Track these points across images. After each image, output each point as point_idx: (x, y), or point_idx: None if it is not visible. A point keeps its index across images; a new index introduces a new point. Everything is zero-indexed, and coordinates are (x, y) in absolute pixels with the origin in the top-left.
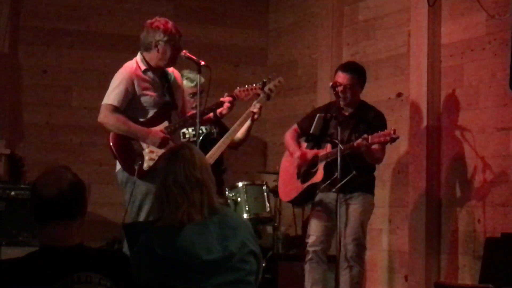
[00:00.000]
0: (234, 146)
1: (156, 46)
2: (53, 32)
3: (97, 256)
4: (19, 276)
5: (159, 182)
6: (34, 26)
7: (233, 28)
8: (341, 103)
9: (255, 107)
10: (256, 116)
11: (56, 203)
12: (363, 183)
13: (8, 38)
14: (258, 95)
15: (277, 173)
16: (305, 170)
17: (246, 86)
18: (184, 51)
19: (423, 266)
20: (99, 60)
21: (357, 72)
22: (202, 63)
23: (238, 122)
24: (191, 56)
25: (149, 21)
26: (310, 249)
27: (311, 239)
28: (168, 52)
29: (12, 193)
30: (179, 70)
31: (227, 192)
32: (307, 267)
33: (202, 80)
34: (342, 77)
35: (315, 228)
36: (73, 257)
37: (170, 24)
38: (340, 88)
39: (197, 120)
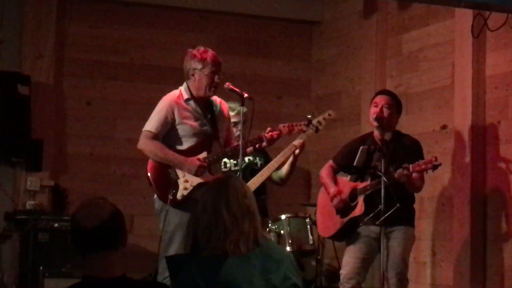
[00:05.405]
0: (279, 182)
1: (193, 75)
2: (97, 64)
3: None
4: None
5: (208, 211)
6: (78, 58)
7: (276, 60)
8: (375, 124)
9: (297, 142)
10: (297, 152)
11: (97, 233)
12: (404, 215)
13: (53, 69)
14: (303, 131)
15: None
16: (344, 205)
17: (292, 123)
18: (227, 83)
19: None
20: (142, 92)
21: (394, 96)
22: (245, 95)
23: (279, 156)
24: (234, 88)
25: (190, 49)
26: (345, 282)
27: (345, 271)
28: (204, 81)
29: (56, 224)
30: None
31: (270, 224)
32: None
33: (245, 109)
34: (379, 98)
35: (351, 260)
36: None
37: (209, 53)
38: (376, 110)
39: (240, 150)
